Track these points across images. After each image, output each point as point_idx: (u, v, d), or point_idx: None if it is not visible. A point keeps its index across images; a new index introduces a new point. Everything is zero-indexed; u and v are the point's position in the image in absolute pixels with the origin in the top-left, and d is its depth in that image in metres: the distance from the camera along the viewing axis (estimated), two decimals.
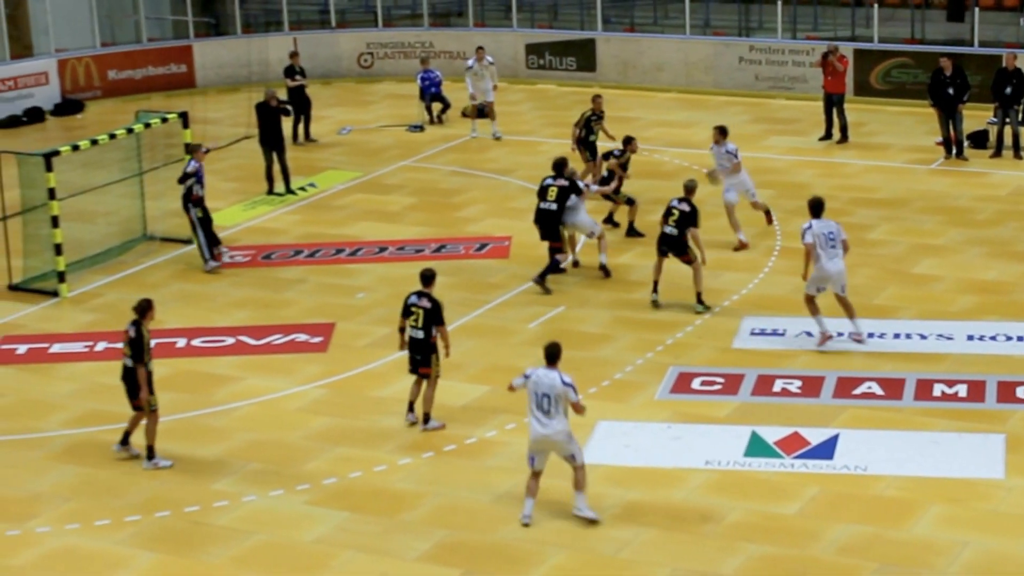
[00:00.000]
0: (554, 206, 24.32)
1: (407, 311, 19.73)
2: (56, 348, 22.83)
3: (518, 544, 16.92)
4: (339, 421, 20.04)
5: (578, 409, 17.08)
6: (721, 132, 26.48)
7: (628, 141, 26.98)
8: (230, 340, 22.81)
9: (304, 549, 17.02)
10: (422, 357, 19.67)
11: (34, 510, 17.96)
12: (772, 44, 36.82)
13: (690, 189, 23.71)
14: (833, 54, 32.20)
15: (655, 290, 23.63)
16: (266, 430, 19.85)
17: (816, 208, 21.83)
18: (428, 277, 19.82)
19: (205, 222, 25.60)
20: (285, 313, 23.83)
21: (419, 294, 19.78)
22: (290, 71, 33.74)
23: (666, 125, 34.24)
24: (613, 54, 38.29)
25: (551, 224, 24.38)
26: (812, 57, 35.13)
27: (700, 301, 23.29)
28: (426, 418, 19.75)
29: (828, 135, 32.43)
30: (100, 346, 22.76)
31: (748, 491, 17.81)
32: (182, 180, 25.37)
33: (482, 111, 35.49)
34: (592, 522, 17.08)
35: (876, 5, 36.30)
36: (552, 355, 17.15)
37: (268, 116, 29.55)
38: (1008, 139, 30.71)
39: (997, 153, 30.75)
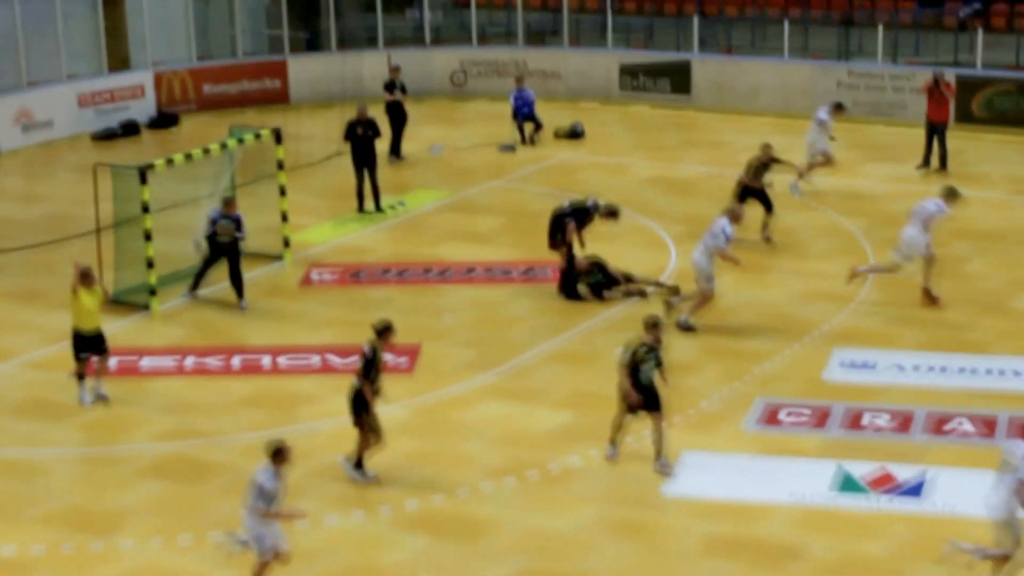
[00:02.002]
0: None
1: (643, 358, 18.83)
2: (145, 363, 22.91)
3: (599, 574, 16.79)
4: (422, 444, 19.98)
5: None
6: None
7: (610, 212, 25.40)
8: (316, 359, 22.80)
9: (384, 572, 16.99)
10: (655, 395, 19.11)
11: (118, 524, 18.04)
12: (872, 69, 36.41)
13: None
14: (941, 80, 31.68)
15: None
16: (349, 451, 19.61)
17: None
18: (656, 324, 19.05)
19: (211, 261, 25.14)
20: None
21: (651, 341, 18.97)
22: (390, 85, 33.76)
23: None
24: (709, 77, 38.03)
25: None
26: (913, 83, 34.66)
27: None
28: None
29: (927, 163, 31.95)
30: (189, 361, 22.86)
31: (834, 528, 17.58)
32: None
33: (575, 132, 35.35)
34: None
35: (980, 30, 35.78)
36: None
37: (358, 137, 29.61)
38: None
39: None
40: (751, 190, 27.24)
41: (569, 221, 24.87)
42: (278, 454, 15.94)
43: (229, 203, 24.98)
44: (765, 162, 27.62)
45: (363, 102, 30.62)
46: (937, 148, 31.75)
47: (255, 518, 15.90)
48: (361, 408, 18.77)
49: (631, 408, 18.92)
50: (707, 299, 23.40)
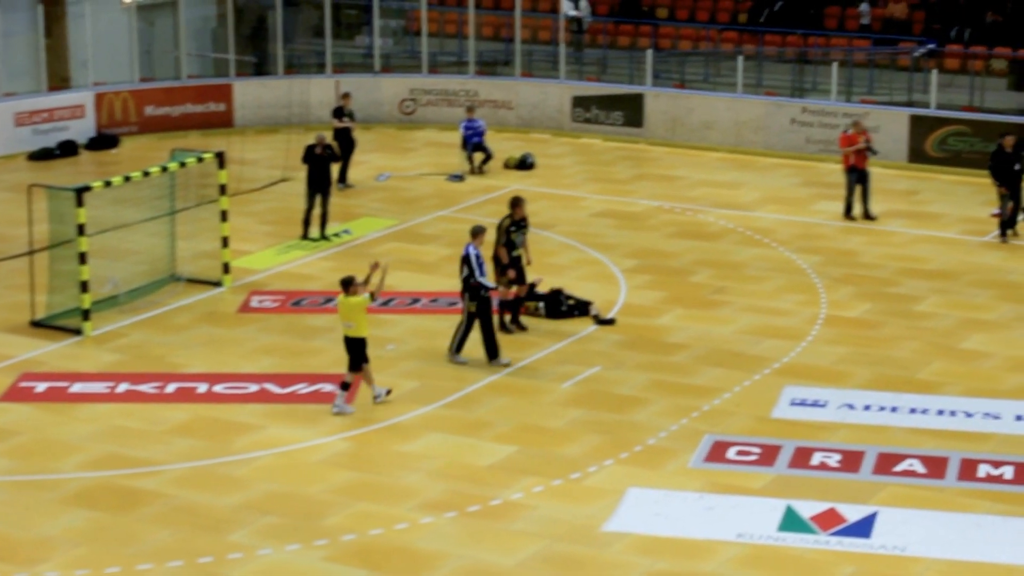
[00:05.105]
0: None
1: None
2: (76, 388, 22.50)
3: None
4: (361, 476, 19.66)
5: None
6: None
7: (515, 203, 24.80)
8: (254, 387, 22.43)
9: None
10: None
11: (43, 554, 17.62)
12: (825, 106, 36.27)
13: None
14: (864, 134, 31.24)
15: None
16: (286, 482, 19.46)
17: None
18: None
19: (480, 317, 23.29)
20: (312, 362, 23.44)
21: None
22: (339, 112, 33.43)
23: (713, 185, 33.77)
24: (661, 110, 37.83)
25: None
26: (867, 121, 34.44)
27: None
28: None
29: (852, 212, 31.29)
30: (122, 387, 22.45)
31: (780, 567, 17.31)
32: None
33: (526, 163, 35.06)
34: None
35: (935, 70, 35.69)
36: None
37: (316, 160, 29.26)
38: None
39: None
40: None
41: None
42: None
43: (478, 234, 23.53)
44: None
45: (322, 133, 30.23)
46: (860, 195, 31.16)
47: None
48: None
49: None
50: None
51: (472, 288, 23.00)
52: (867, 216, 31.02)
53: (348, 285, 21.35)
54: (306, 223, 29.42)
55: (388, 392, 21.78)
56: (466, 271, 23.03)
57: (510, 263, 24.38)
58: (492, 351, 23.19)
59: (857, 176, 31.04)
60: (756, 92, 37.82)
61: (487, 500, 18.87)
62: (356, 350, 21.49)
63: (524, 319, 24.69)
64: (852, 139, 30.99)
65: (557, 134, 38.49)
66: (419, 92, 39.66)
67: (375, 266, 21.89)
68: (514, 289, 24.30)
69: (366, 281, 21.63)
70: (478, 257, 23.09)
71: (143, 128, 37.95)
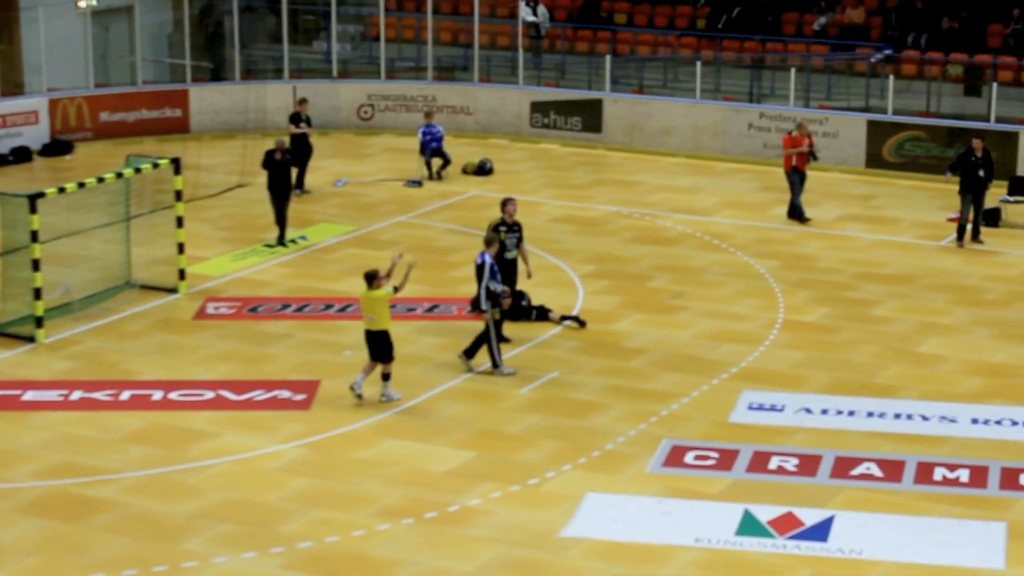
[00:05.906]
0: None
1: None
2: (29, 395, 22.31)
3: None
4: (318, 483, 19.54)
5: None
6: None
7: (503, 204, 24.95)
8: (209, 394, 22.28)
9: None
10: None
11: None
12: (783, 112, 36.31)
13: None
14: (808, 134, 31.41)
15: None
16: (241, 489, 19.35)
17: None
18: None
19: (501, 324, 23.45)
20: (268, 368, 23.32)
21: None
22: (296, 118, 33.31)
23: (671, 190, 33.76)
24: (620, 116, 37.82)
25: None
26: (824, 127, 34.61)
27: None
28: None
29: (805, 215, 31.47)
30: (75, 395, 22.26)
31: (738, 571, 17.29)
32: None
33: (484, 168, 35.01)
34: None
35: (891, 76, 35.79)
36: None
37: (276, 166, 29.22)
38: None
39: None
40: None
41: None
42: None
43: (491, 243, 23.36)
44: None
45: (282, 138, 30.15)
46: (791, 197, 31.29)
47: None
48: None
49: None
50: None
51: (492, 296, 22.87)
52: (791, 215, 31.31)
53: (372, 279, 21.44)
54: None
55: (360, 397, 21.73)
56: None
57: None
58: (472, 352, 23.11)
59: (800, 178, 31.16)
60: (714, 97, 37.90)
61: (444, 506, 18.79)
62: (378, 342, 21.64)
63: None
64: (796, 141, 31.13)
65: (515, 139, 38.45)
66: (377, 97, 39.55)
67: (399, 258, 21.84)
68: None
69: (388, 274, 21.55)
70: (492, 266, 22.94)
71: (98, 134, 37.71)
